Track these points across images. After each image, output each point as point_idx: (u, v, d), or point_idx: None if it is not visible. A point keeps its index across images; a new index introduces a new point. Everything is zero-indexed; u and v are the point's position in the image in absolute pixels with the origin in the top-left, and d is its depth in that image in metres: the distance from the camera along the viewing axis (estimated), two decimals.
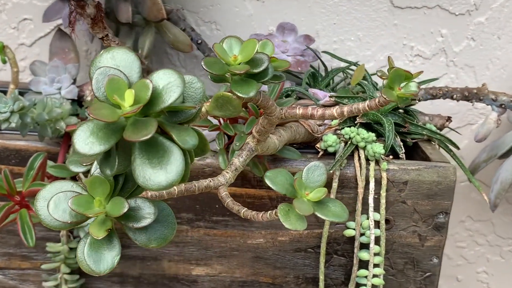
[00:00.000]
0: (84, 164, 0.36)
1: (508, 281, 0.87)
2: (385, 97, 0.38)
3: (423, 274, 0.61)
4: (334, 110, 0.39)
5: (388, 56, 0.42)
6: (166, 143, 0.32)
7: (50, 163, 0.57)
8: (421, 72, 0.43)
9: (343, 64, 0.73)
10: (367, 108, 0.39)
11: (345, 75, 0.72)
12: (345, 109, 0.39)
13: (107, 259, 0.35)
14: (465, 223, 0.85)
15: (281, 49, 0.70)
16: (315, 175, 0.39)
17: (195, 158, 0.38)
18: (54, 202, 0.34)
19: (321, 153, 0.59)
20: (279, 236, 0.61)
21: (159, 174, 0.31)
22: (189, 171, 0.33)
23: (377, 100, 0.39)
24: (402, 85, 0.39)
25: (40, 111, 0.56)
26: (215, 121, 0.56)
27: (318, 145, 0.59)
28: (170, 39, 0.69)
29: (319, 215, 0.37)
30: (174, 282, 0.62)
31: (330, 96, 0.62)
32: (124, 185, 0.36)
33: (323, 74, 0.72)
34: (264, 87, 0.58)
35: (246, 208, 0.42)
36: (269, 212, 0.41)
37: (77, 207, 0.33)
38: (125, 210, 0.33)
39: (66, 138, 0.60)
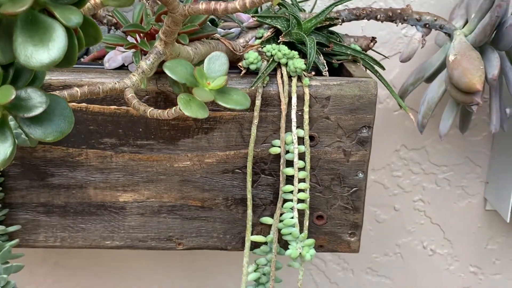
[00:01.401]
0: None
1: (444, 208, 0.89)
2: None
3: (350, 189, 0.62)
4: (237, 3, 0.38)
5: None
6: (48, 20, 0.31)
7: None
8: None
9: None
10: None
11: None
12: (247, 0, 0.38)
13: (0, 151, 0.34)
14: (399, 152, 0.86)
15: None
16: (216, 65, 0.38)
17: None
18: None
19: (243, 71, 0.59)
20: (206, 158, 0.60)
21: (41, 52, 0.30)
22: (76, 54, 0.33)
23: None
24: None
25: None
26: (131, 40, 0.55)
27: (240, 64, 0.59)
28: None
29: (220, 103, 0.37)
30: (101, 210, 0.61)
31: (253, 16, 0.62)
32: (18, 78, 0.35)
33: None
34: None
35: (152, 108, 0.41)
36: (173, 108, 0.40)
37: None
38: (13, 97, 0.32)
39: None
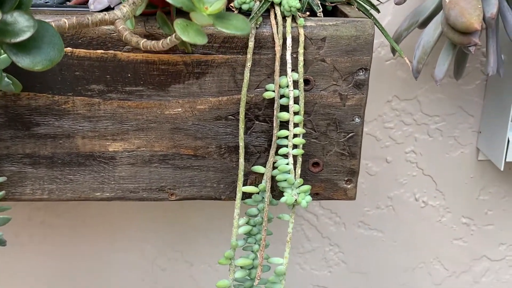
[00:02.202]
0: None
1: (436, 159, 0.89)
2: None
3: (346, 135, 0.60)
4: None
5: None
6: None
7: None
8: None
9: None
10: None
11: None
12: None
13: None
14: (391, 103, 0.85)
15: None
16: None
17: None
18: None
19: (235, 12, 0.56)
20: (197, 105, 0.59)
21: None
22: None
23: None
24: None
25: None
26: None
27: (231, 4, 0.56)
28: None
29: (219, 28, 0.35)
30: (90, 160, 0.59)
31: None
32: (3, 3, 0.33)
33: None
34: None
35: (145, 39, 0.39)
36: (168, 37, 0.38)
37: None
38: None
39: None
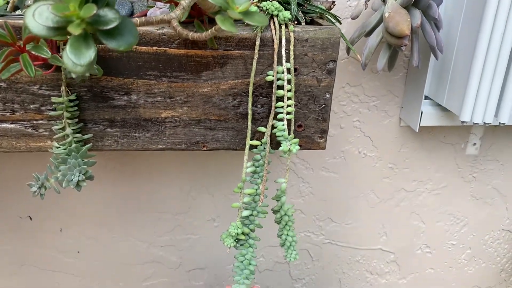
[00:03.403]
0: None
1: (373, 125, 0.87)
2: None
3: (320, 106, 0.59)
4: None
5: None
6: None
7: None
8: None
9: None
10: None
11: None
12: None
13: (85, 54, 0.29)
14: (344, 88, 0.83)
15: None
16: None
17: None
18: (38, 12, 0.28)
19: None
20: (221, 85, 0.56)
21: None
22: None
23: None
24: None
25: None
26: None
27: None
28: None
29: (247, 21, 0.33)
30: (149, 123, 0.57)
31: None
32: (97, 1, 0.30)
33: None
34: None
35: (192, 32, 0.37)
36: (210, 30, 0.35)
37: (56, 10, 0.27)
38: (94, 12, 0.27)
39: None
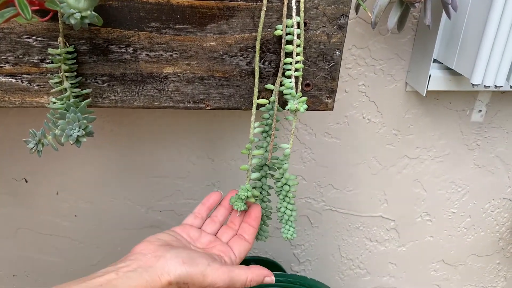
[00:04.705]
0: None
1: (378, 90, 0.85)
2: None
3: (330, 64, 0.57)
4: None
5: None
6: None
7: None
8: None
9: None
10: None
11: None
12: None
13: None
14: (351, 50, 0.81)
15: None
16: None
17: None
18: None
19: None
20: (227, 40, 0.54)
21: None
22: None
23: None
24: None
25: None
26: None
27: None
28: None
29: None
30: (150, 79, 0.55)
31: None
32: None
33: None
34: None
35: None
36: None
37: None
38: None
39: None
